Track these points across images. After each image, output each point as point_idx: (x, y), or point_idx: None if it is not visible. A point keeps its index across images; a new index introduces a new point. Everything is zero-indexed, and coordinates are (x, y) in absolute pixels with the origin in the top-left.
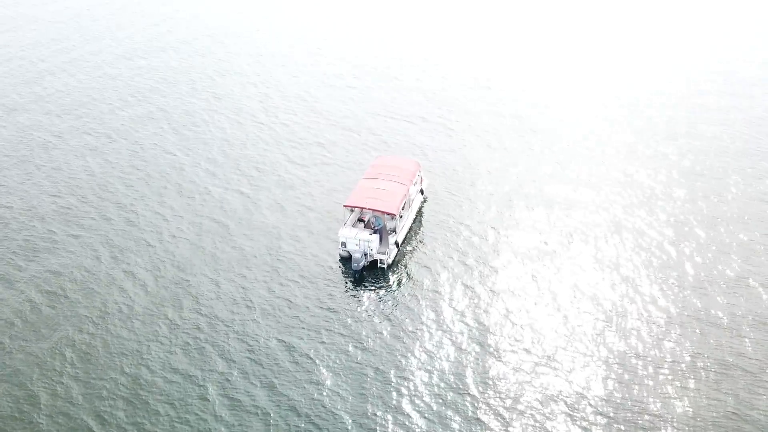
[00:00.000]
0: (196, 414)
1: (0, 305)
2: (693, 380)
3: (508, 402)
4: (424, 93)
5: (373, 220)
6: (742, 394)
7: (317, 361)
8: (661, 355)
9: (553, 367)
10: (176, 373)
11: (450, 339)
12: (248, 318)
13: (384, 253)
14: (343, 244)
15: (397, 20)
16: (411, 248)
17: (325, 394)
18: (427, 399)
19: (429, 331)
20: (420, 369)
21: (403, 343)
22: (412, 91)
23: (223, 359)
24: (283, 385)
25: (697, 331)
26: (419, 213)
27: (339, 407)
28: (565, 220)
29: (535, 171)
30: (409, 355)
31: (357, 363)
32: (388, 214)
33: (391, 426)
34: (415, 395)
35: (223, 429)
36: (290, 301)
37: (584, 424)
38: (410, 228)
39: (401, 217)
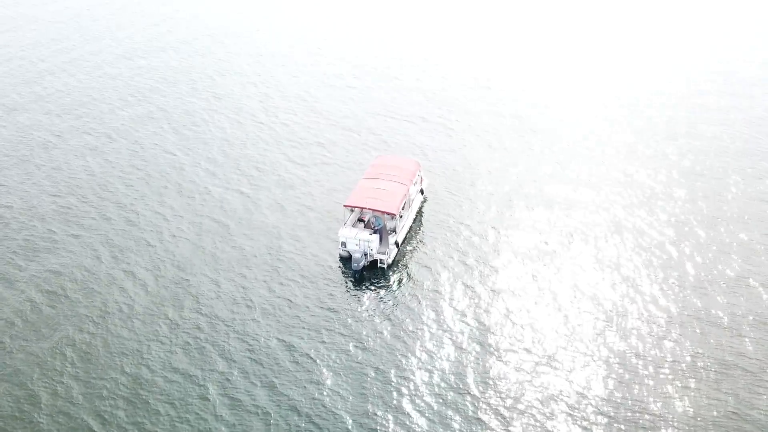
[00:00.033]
0: (197, 413)
1: (0, 305)
2: (693, 380)
3: (509, 401)
4: (424, 93)
5: (373, 220)
6: (742, 393)
7: (318, 361)
8: (662, 355)
9: (553, 367)
10: (176, 373)
11: (450, 339)
12: (248, 317)
13: (384, 253)
14: (343, 244)
15: (397, 20)
16: (411, 248)
17: (325, 393)
18: (427, 398)
19: (429, 331)
20: (420, 369)
21: (404, 342)
22: (412, 91)
23: (224, 359)
24: (283, 384)
25: (698, 330)
26: (419, 213)
27: (339, 407)
28: (566, 220)
29: (536, 171)
30: (410, 354)
31: (357, 362)
32: (388, 214)
33: (391, 426)
34: (415, 395)
35: (223, 428)
36: (290, 301)
37: (585, 423)
38: (410, 228)
39: (401, 217)
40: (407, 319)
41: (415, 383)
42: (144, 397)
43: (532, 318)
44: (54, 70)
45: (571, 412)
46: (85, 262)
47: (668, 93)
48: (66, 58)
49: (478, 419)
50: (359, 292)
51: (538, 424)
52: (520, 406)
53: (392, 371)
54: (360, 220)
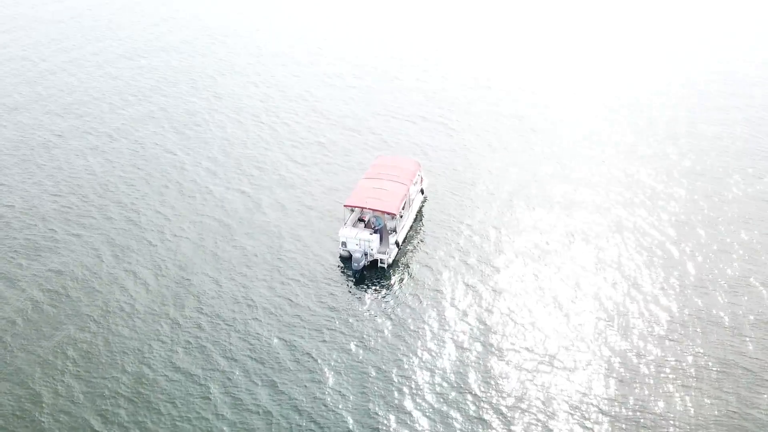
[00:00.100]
0: (198, 413)
1: (2, 304)
2: (694, 379)
3: (510, 401)
4: (425, 93)
5: (373, 219)
6: (743, 393)
7: (319, 360)
8: (663, 355)
9: (555, 366)
10: (178, 372)
11: (452, 338)
12: (249, 317)
13: (384, 253)
14: (344, 243)
15: (397, 20)
16: (411, 248)
17: (326, 392)
18: (428, 398)
19: (431, 330)
20: (422, 368)
21: (405, 342)
22: (412, 90)
23: (225, 358)
24: (284, 383)
25: (699, 330)
26: (420, 213)
27: (341, 406)
28: (566, 220)
29: (536, 171)
30: (411, 354)
31: (358, 362)
32: (389, 213)
33: (393, 425)
34: (416, 394)
35: (224, 428)
36: (291, 300)
37: (586, 423)
38: (411, 228)
39: (401, 216)
40: (408, 319)
41: (416, 382)
42: (145, 396)
43: (533, 317)
44: (55, 70)
45: (573, 412)
46: (86, 262)
47: (668, 93)
48: (67, 58)
49: (480, 419)
50: (360, 291)
51: (539, 423)
52: (522, 406)
53: (393, 370)
54: (360, 219)
